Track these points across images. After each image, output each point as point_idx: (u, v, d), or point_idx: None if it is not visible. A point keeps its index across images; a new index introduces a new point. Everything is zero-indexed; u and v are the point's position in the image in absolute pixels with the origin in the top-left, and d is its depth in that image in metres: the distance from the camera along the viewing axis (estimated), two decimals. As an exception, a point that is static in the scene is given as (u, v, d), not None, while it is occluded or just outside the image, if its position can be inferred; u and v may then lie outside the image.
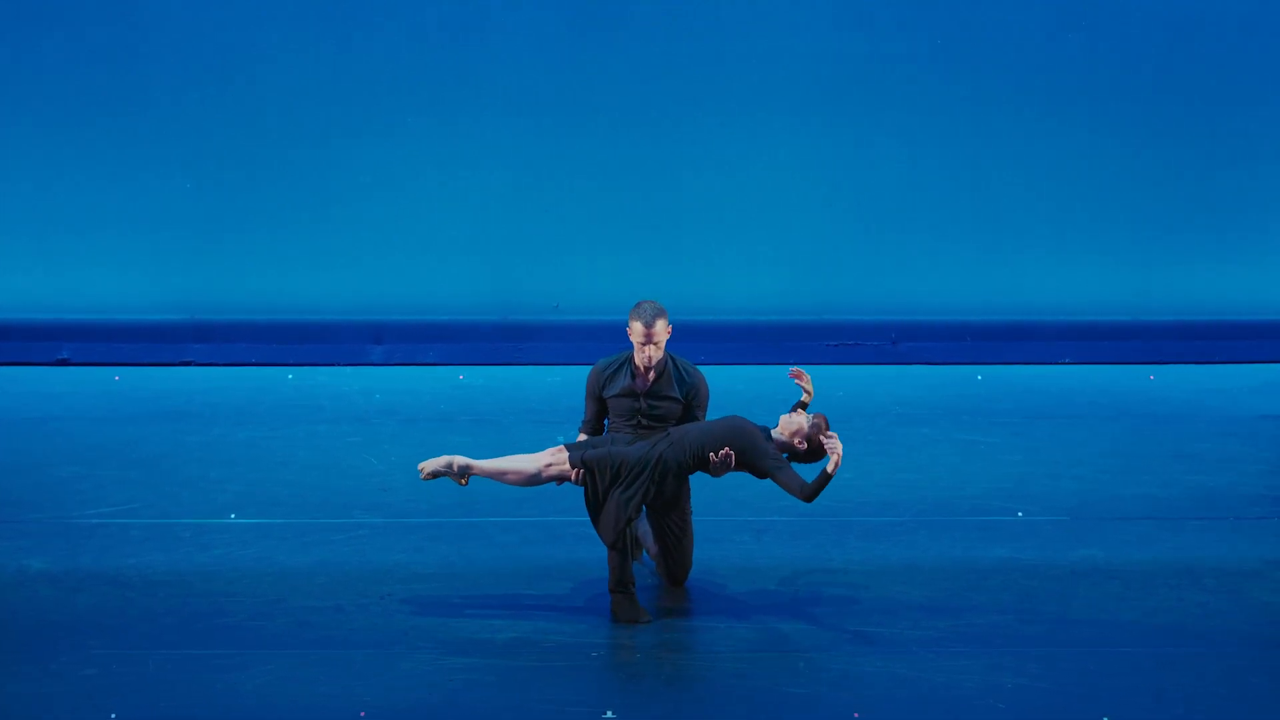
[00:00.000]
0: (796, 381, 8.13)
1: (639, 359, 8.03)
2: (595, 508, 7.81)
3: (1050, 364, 13.56)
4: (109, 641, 7.35)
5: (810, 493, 7.57)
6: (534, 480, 7.95)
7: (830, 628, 7.55)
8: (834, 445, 7.56)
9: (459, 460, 7.85)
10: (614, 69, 13.47)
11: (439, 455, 7.82)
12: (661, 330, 8.01)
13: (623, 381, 8.12)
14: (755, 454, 7.71)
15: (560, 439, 10.57)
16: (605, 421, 8.26)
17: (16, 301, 13.46)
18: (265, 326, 13.50)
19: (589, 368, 8.23)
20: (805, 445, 7.82)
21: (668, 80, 13.48)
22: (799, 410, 7.97)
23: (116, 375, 13.01)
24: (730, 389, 12.12)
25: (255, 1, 13.34)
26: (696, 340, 12.50)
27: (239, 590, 7.94)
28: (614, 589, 7.75)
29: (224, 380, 12.79)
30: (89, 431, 11.03)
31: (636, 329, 8.01)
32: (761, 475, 7.78)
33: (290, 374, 13.05)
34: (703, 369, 8.21)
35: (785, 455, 7.82)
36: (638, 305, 8.05)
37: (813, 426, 7.81)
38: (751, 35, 13.41)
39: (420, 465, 7.89)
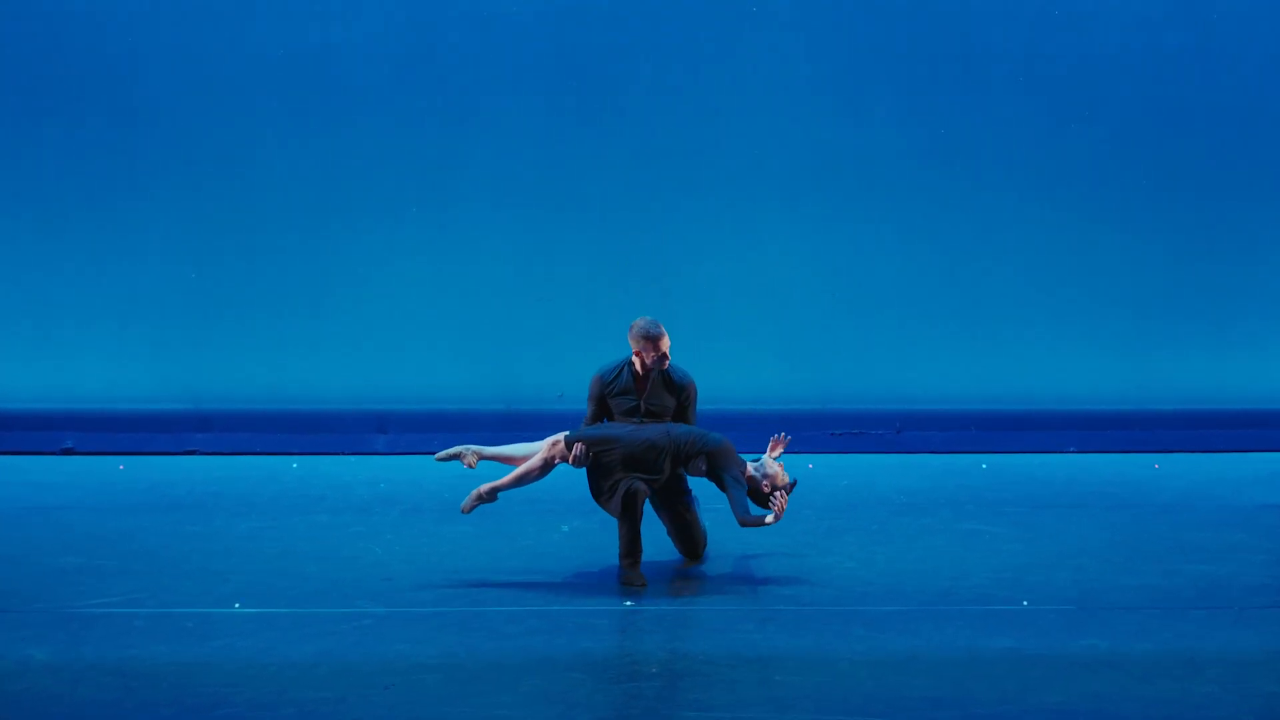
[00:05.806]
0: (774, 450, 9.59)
1: (647, 366, 9.39)
2: (596, 481, 9.32)
3: (1053, 453, 13.57)
4: (110, 733, 7.33)
5: (745, 522, 9.10)
6: (541, 469, 9.39)
7: None
8: (780, 505, 9.11)
9: (472, 448, 9.40)
10: (611, 158, 13.55)
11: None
12: (667, 344, 9.45)
13: (625, 386, 9.49)
14: (726, 463, 9.26)
15: (565, 528, 10.58)
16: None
17: (19, 391, 13.49)
18: (267, 416, 13.52)
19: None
20: (769, 489, 9.36)
21: (667, 169, 13.56)
22: (781, 466, 9.47)
23: (120, 465, 13.02)
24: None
25: (252, 92, 13.43)
26: (699, 429, 12.48)
27: (240, 681, 7.91)
28: (624, 556, 9.29)
29: (226, 470, 12.79)
30: (91, 521, 11.02)
31: (649, 346, 9.38)
32: (719, 484, 9.30)
33: (294, 463, 13.05)
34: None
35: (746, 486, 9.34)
36: (648, 324, 9.43)
37: (784, 485, 9.37)
38: (746, 125, 13.49)
39: (436, 456, 9.46)
